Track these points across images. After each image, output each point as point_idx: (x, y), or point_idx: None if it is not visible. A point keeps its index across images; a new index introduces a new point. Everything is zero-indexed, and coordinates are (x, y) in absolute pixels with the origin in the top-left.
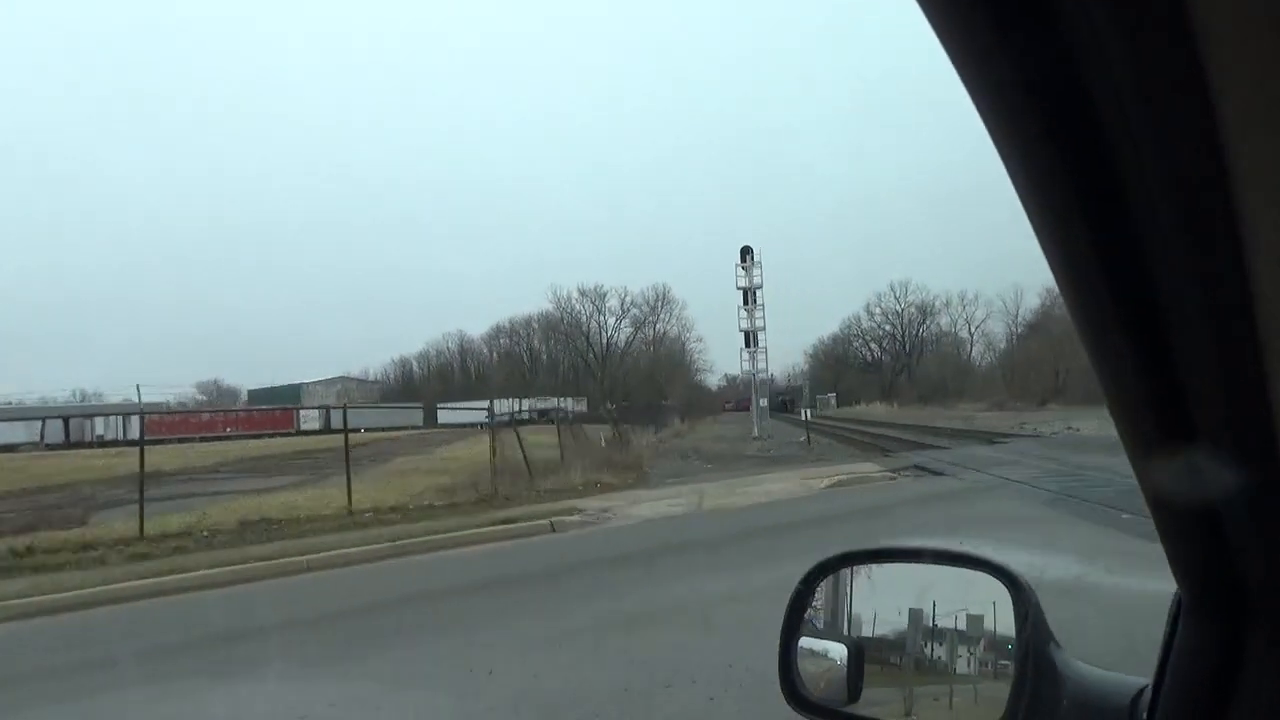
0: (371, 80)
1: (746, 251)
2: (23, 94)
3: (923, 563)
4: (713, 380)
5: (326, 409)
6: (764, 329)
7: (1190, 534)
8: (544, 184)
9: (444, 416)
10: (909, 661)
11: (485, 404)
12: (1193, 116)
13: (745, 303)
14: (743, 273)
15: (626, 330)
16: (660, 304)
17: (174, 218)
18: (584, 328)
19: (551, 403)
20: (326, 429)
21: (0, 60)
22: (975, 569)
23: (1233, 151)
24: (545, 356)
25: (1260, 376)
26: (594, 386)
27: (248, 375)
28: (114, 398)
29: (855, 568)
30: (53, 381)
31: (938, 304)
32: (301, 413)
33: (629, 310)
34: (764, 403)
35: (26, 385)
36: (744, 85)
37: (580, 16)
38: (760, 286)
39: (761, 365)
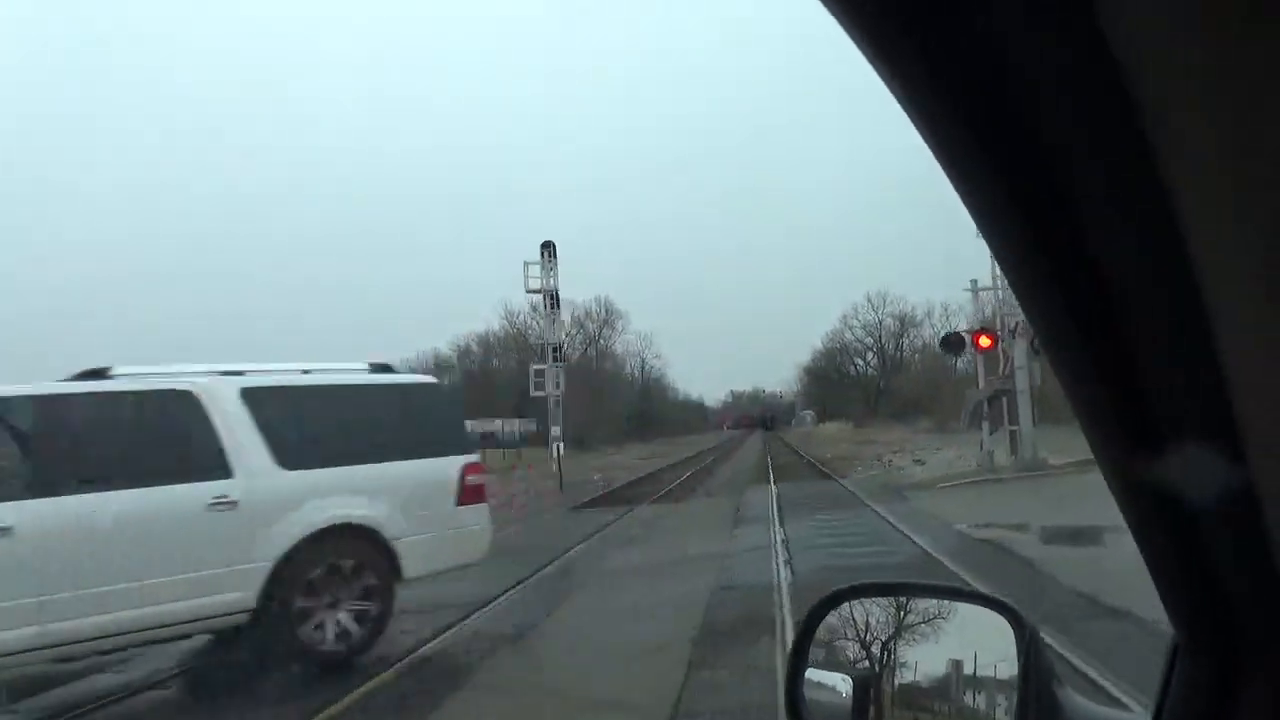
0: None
1: (546, 248)
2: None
3: (928, 597)
4: (719, 396)
5: None
6: (566, 338)
7: (1178, 569)
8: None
9: None
10: (913, 696)
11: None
12: (1113, 110)
13: (546, 308)
14: (536, 273)
15: (579, 347)
16: (604, 317)
17: (161, 228)
18: (536, 343)
19: (496, 424)
20: None
21: None
22: (979, 604)
23: (1161, 145)
24: (499, 374)
25: (1219, 380)
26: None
27: None
28: None
29: (862, 600)
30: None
31: (918, 314)
32: None
33: (582, 325)
34: (557, 432)
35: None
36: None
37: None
38: (557, 290)
39: (557, 384)
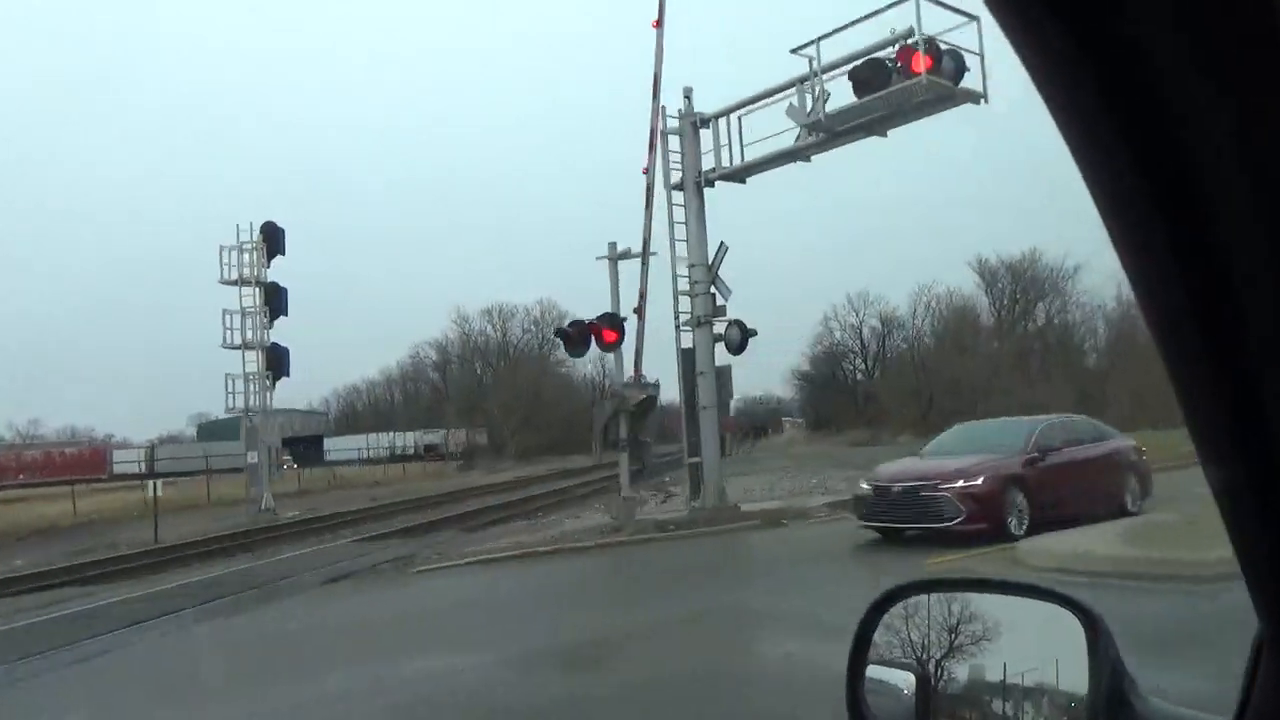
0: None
1: (267, 231)
2: None
3: (995, 593)
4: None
5: (152, 448)
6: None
7: (1268, 561)
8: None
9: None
10: (978, 695)
11: (378, 437)
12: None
13: (242, 303)
14: (233, 260)
15: (532, 352)
16: (546, 319)
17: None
18: (490, 350)
19: (440, 434)
20: (150, 473)
21: None
22: (1049, 601)
23: None
24: (448, 383)
25: None
26: (490, 414)
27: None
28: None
29: (926, 595)
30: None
31: (901, 315)
32: (116, 454)
33: (529, 330)
34: (254, 458)
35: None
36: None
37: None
38: (268, 280)
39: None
